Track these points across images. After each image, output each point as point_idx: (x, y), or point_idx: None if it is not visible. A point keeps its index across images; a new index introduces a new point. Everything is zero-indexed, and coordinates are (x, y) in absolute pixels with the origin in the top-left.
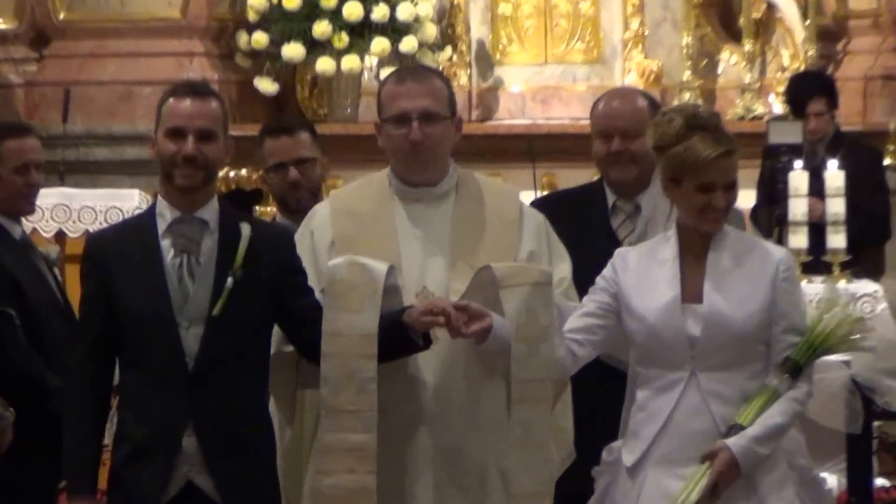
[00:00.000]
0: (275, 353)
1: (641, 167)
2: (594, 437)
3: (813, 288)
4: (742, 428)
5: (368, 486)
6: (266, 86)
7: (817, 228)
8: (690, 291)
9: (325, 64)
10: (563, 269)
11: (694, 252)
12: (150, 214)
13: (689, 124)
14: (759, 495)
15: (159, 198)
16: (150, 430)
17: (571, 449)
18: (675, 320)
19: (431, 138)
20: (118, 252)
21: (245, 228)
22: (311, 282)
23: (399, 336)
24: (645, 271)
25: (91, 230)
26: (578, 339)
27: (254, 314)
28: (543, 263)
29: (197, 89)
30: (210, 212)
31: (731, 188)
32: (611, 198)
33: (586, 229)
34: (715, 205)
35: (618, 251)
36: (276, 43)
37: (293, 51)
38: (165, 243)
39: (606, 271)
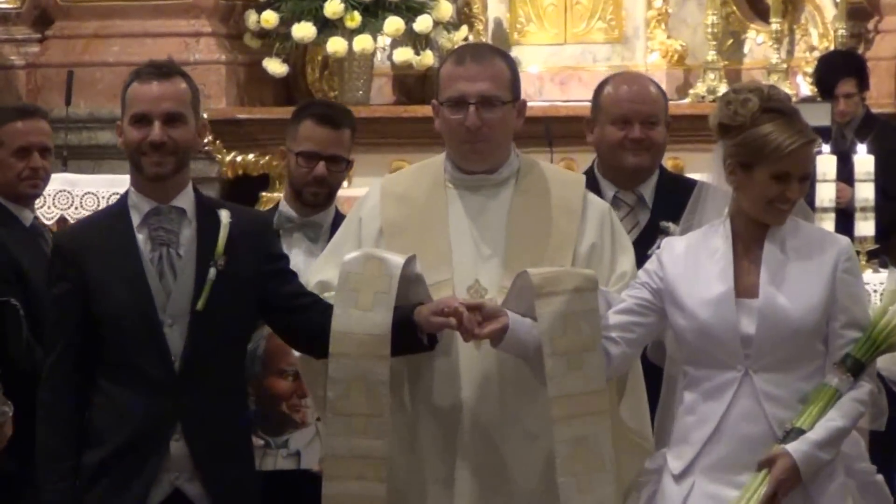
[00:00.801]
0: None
1: (655, 156)
2: None
3: (877, 277)
4: (802, 432)
5: (379, 495)
6: (275, 67)
7: (845, 215)
8: (745, 285)
9: (336, 44)
10: (624, 262)
11: (749, 243)
12: (122, 207)
13: (766, 107)
14: (814, 500)
15: (131, 189)
16: (133, 434)
17: (653, 448)
18: (729, 316)
19: (489, 124)
20: (92, 248)
21: (224, 215)
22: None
23: (407, 334)
24: (694, 263)
25: None
26: (613, 338)
27: (239, 306)
28: (605, 256)
29: (162, 70)
30: (186, 200)
31: (804, 180)
32: (608, 189)
33: None
34: (789, 195)
35: (665, 241)
36: (286, 22)
37: (303, 30)
38: (142, 236)
39: (650, 264)
